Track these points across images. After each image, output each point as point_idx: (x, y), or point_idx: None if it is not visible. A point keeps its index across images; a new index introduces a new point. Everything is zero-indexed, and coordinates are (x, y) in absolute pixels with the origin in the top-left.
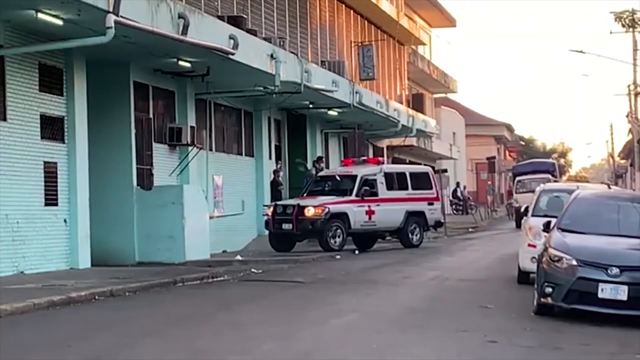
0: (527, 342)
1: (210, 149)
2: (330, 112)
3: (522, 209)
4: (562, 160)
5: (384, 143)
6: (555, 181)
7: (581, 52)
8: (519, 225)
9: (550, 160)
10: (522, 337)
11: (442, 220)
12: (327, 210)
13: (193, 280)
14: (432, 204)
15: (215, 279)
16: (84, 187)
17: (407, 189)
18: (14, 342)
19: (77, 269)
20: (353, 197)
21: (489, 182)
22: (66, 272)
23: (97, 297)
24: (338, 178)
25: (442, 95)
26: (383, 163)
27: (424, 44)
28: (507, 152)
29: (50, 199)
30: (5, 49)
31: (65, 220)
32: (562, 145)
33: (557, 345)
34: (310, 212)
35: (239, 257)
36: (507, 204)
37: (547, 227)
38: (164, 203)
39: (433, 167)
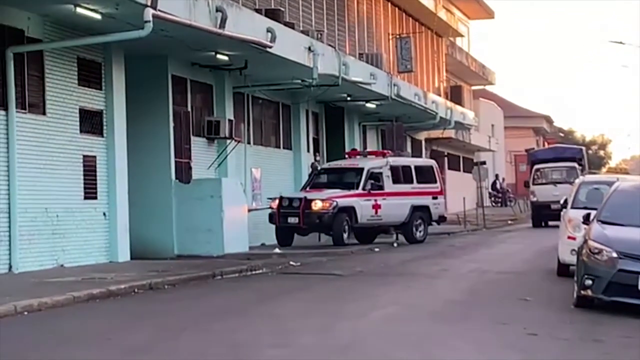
0: (567, 334)
1: (249, 142)
2: (368, 105)
3: (562, 202)
4: (601, 152)
5: (422, 135)
6: (582, 171)
7: (621, 42)
8: (536, 224)
9: (576, 146)
10: (562, 330)
11: (446, 215)
12: (335, 204)
13: (232, 273)
14: (436, 198)
15: (253, 272)
16: (123, 180)
17: (412, 182)
18: (55, 335)
19: (116, 262)
20: (360, 191)
21: None
22: (105, 265)
23: (136, 290)
24: (343, 171)
25: (481, 87)
26: (389, 156)
27: (462, 35)
28: (546, 144)
29: (90, 193)
30: (44, 44)
31: (104, 214)
32: (602, 137)
33: (598, 338)
34: (317, 205)
35: (277, 250)
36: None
37: (586, 219)
38: (202, 196)
39: (471, 160)
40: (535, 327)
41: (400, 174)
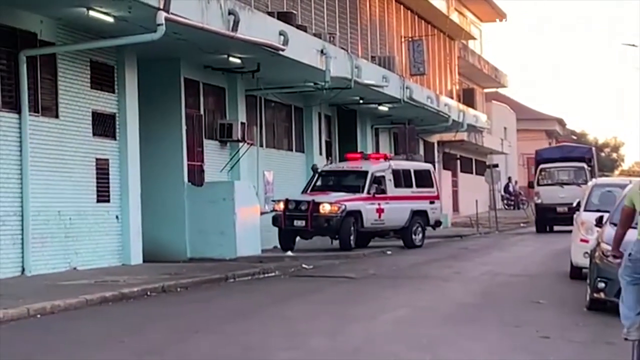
0: (579, 337)
1: (261, 145)
2: (381, 108)
3: (574, 204)
4: (614, 155)
5: (434, 138)
6: (591, 172)
7: (633, 45)
8: (540, 229)
9: (585, 145)
10: (575, 332)
11: (441, 220)
12: (343, 207)
13: (244, 276)
14: (433, 202)
15: (266, 275)
16: (135, 183)
17: (411, 186)
18: (68, 338)
19: (129, 265)
20: (365, 195)
21: None
22: (118, 268)
23: (149, 293)
24: (346, 173)
25: (493, 90)
26: (390, 159)
27: (474, 38)
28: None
29: (102, 196)
30: (57, 47)
31: (117, 217)
32: (615, 140)
33: (610, 341)
34: (325, 209)
35: (289, 253)
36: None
37: (599, 222)
38: (215, 199)
39: (484, 162)
40: (548, 329)
41: (401, 178)
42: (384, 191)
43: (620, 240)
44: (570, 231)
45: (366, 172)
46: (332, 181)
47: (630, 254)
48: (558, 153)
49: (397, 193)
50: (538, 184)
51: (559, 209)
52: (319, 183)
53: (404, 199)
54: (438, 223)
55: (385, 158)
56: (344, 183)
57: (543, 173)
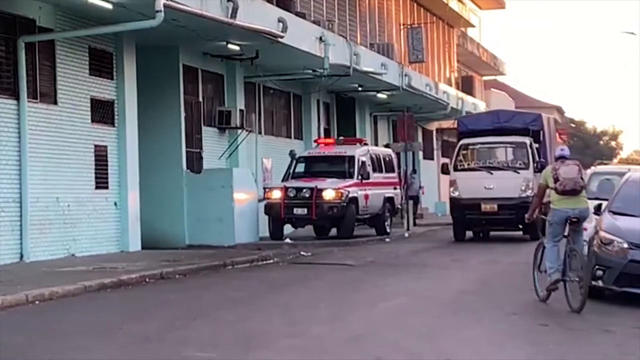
0: (577, 325)
1: (260, 132)
2: (379, 95)
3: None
4: (613, 143)
5: (433, 126)
6: (538, 150)
7: (633, 33)
8: (459, 236)
9: (531, 112)
10: (573, 320)
11: (399, 207)
12: (346, 194)
13: (243, 263)
14: (396, 188)
15: (264, 262)
16: (134, 170)
17: (382, 172)
18: (66, 324)
19: (127, 252)
20: (355, 180)
21: None
22: (117, 254)
23: (147, 280)
24: (329, 159)
25: (492, 77)
26: (367, 144)
27: (473, 26)
28: (557, 135)
29: (101, 182)
30: (55, 33)
31: (115, 204)
32: (613, 128)
33: (608, 329)
34: (329, 195)
35: (288, 240)
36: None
37: (598, 210)
38: (213, 186)
39: None
40: (546, 317)
41: (376, 163)
42: (368, 177)
43: (537, 207)
44: (510, 238)
45: (352, 157)
46: (313, 167)
47: (549, 220)
48: (490, 122)
49: (375, 179)
50: (456, 169)
51: (485, 206)
52: (298, 169)
53: (380, 184)
54: (397, 210)
55: (361, 142)
56: (326, 169)
57: (464, 152)
